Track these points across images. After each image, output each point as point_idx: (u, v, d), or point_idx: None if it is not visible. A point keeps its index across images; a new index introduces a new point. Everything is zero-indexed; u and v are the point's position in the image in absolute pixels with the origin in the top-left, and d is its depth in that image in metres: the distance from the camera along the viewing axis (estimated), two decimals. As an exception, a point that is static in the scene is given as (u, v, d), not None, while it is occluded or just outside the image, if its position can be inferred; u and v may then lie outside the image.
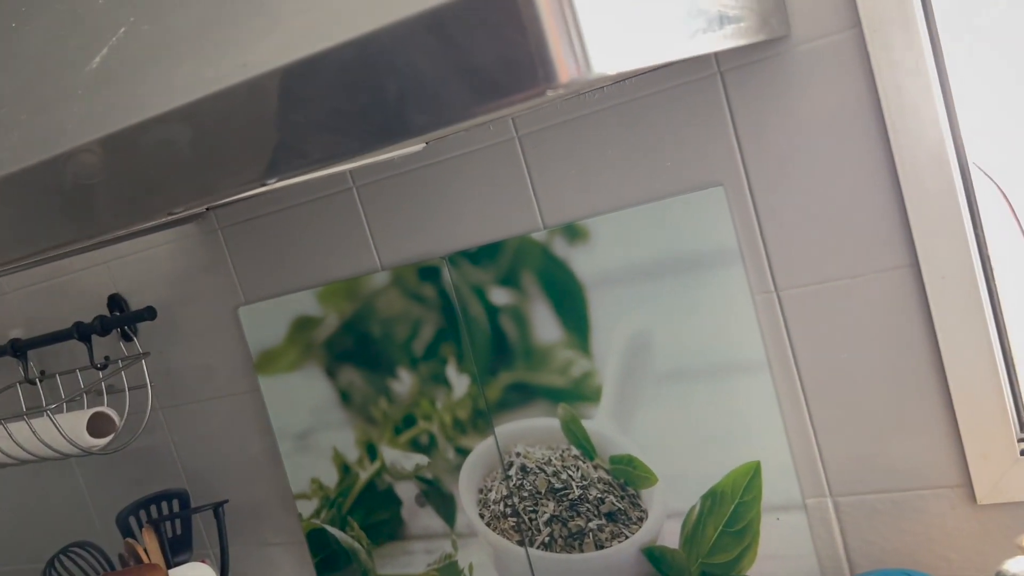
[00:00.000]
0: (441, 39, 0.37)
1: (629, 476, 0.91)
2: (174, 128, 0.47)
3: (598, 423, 0.92)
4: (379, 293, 1.00)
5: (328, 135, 0.41)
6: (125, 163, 0.49)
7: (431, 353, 0.98)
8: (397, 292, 0.99)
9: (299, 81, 0.43)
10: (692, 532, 0.89)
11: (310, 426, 1.08)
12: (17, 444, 1.10)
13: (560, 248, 0.90)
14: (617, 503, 0.92)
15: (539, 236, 0.91)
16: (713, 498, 0.88)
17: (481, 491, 1.00)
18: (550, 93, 0.37)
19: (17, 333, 1.25)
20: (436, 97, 0.38)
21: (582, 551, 0.95)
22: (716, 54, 0.78)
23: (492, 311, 0.94)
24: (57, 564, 1.11)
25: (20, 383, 1.22)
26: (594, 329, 0.90)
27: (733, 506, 0.87)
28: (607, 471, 0.92)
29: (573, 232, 0.89)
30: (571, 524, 0.95)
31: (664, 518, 0.91)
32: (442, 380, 0.98)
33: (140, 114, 0.49)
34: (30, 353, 1.23)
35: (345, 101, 0.41)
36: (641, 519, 0.92)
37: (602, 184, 0.87)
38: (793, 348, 0.82)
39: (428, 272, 0.97)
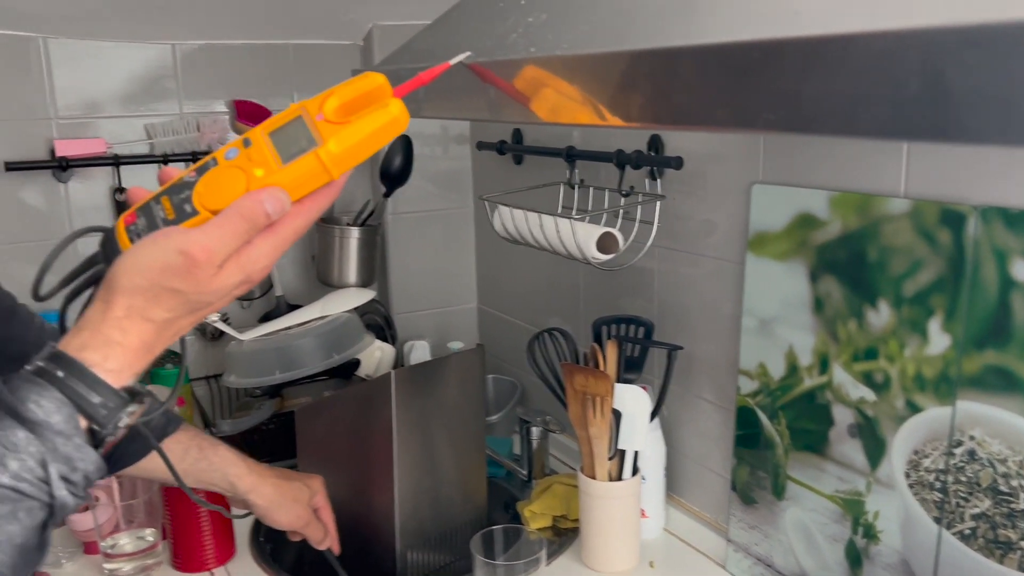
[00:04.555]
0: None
1: (1094, 521, 0.75)
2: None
3: (1082, 450, 0.76)
4: (892, 219, 0.90)
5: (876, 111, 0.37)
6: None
7: (920, 299, 0.88)
8: (910, 225, 0.88)
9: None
10: None
11: (776, 316, 1.06)
12: (543, 233, 1.26)
13: (1124, 245, 0.72)
14: (1065, 539, 0.77)
15: (1103, 223, 0.73)
16: None
17: (916, 453, 0.90)
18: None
19: (573, 142, 1.39)
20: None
21: (1001, 563, 0.83)
22: None
23: (1007, 283, 0.80)
24: (543, 337, 1.28)
25: (563, 183, 1.38)
26: None
27: None
28: (1069, 503, 0.77)
29: None
30: (1000, 532, 0.83)
31: (1117, 584, 0.74)
32: (920, 330, 0.88)
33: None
34: (579, 163, 1.37)
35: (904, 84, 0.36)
36: (1087, 570, 0.76)
37: None
38: None
39: (952, 217, 0.84)
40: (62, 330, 0.61)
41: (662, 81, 0.48)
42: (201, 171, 0.59)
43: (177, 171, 0.61)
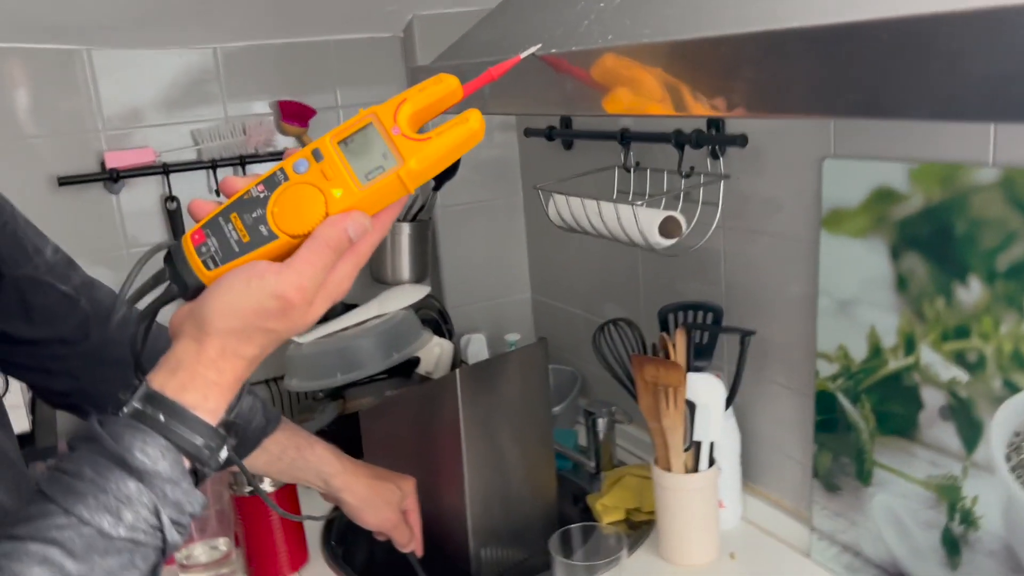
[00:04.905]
0: None
1: None
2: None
3: None
4: (980, 190, 0.86)
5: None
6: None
7: (1015, 273, 0.83)
8: (1001, 195, 0.84)
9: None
10: None
11: (855, 296, 1.02)
12: (602, 220, 1.23)
13: None
14: None
15: None
16: None
17: (1018, 435, 0.86)
18: None
19: (627, 124, 1.35)
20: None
21: (1117, 549, 0.78)
22: None
23: (1116, 253, 0.76)
24: (608, 328, 1.25)
25: (618, 167, 1.35)
26: None
27: None
28: None
29: None
30: (1116, 516, 0.78)
31: None
32: (1018, 306, 0.84)
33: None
34: (633, 145, 1.33)
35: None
36: None
37: None
38: None
39: (1050, 185, 0.80)
40: (133, 354, 0.61)
41: (762, 68, 0.45)
42: (270, 185, 0.58)
43: (241, 180, 0.60)
